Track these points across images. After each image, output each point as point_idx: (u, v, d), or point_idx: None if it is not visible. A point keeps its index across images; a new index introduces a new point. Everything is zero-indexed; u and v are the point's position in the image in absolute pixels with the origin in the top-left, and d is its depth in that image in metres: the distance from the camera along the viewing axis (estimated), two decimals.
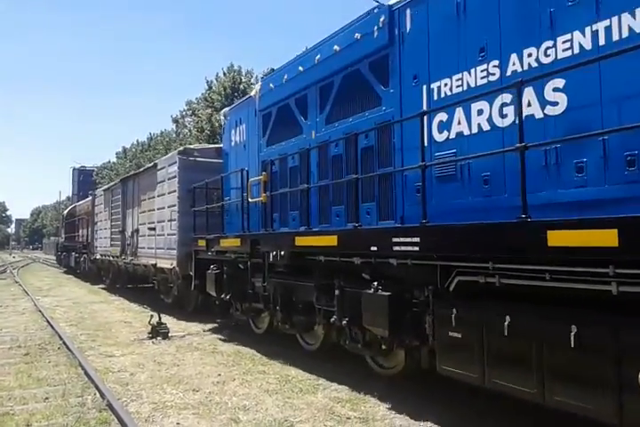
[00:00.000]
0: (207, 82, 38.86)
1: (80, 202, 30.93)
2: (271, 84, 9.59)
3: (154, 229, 14.49)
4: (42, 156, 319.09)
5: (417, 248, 5.34)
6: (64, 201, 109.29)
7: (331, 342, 8.00)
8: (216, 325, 11.90)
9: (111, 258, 19.00)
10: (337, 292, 6.85)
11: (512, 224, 4.44)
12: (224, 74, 38.31)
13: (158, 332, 10.40)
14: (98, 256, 21.08)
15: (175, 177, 13.14)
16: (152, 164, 15.38)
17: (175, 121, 47.38)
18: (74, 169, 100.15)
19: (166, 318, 11.21)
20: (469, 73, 5.66)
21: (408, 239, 5.44)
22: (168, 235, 13.54)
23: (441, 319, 5.30)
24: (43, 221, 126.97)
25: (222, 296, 10.16)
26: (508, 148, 4.80)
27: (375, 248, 5.94)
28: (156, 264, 14.24)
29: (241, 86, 36.98)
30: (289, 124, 9.05)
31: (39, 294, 19.66)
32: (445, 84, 5.95)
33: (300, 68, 8.66)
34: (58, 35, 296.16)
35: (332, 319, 6.89)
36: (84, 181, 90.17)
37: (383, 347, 6.22)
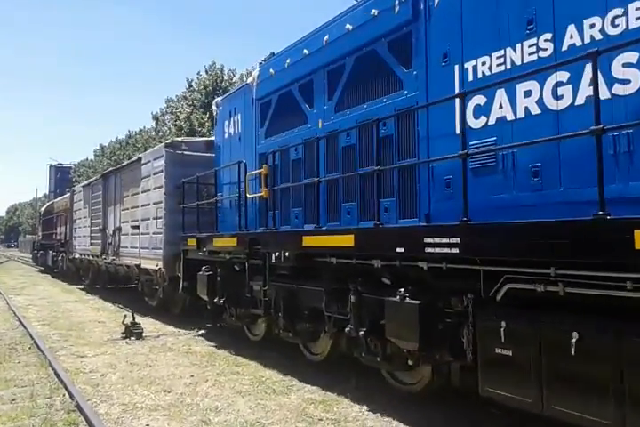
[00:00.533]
0: (187, 80, 38.42)
1: (58, 199, 29.76)
2: (271, 70, 8.79)
3: (137, 227, 13.59)
4: (18, 153, 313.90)
5: (456, 250, 4.58)
6: (41, 198, 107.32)
7: (339, 352, 7.25)
8: (192, 325, 11.45)
9: (91, 257, 18.03)
10: (352, 298, 6.07)
11: (587, 222, 3.69)
12: (206, 72, 37.73)
13: (132, 332, 10.20)
14: (77, 255, 20.06)
15: (162, 172, 12.26)
16: (136, 157, 14.46)
17: (155, 118, 46.51)
18: (51, 166, 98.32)
19: (141, 319, 11.09)
20: (514, 49, 4.93)
21: (445, 240, 4.68)
22: (153, 234, 12.65)
23: (485, 333, 4.54)
24: (19, 219, 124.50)
25: (215, 300, 9.32)
26: (574, 132, 4.05)
27: (402, 250, 5.18)
28: (139, 265, 13.34)
29: (222, 84, 36.42)
30: (291, 114, 8.26)
31: (12, 292, 19.28)
32: (483, 63, 5.21)
33: (305, 51, 7.87)
34: (39, 32, 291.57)
35: (347, 329, 6.10)
36: (62, 178, 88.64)
37: (410, 363, 5.44)
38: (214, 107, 11.24)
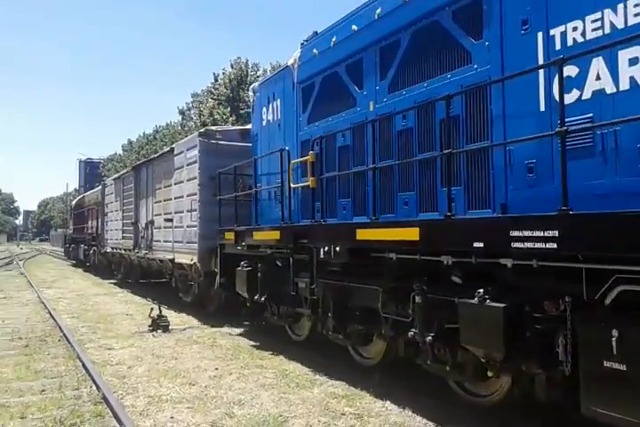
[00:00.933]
0: (214, 74, 38.20)
1: (89, 192, 29.54)
2: (314, 50, 8.12)
3: (171, 220, 13.08)
4: (50, 148, 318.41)
5: (554, 245, 3.88)
6: (71, 193, 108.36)
7: (395, 356, 6.60)
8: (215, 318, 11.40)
9: (123, 251, 17.62)
10: (417, 299, 5.39)
11: None
12: (231, 66, 37.69)
13: (159, 325, 10.23)
14: (108, 249, 19.69)
15: (195, 162, 11.70)
16: (168, 148, 13.93)
17: (181, 113, 46.94)
18: (80, 161, 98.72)
19: (167, 312, 11.11)
20: (614, 10, 4.18)
21: (538, 233, 3.98)
22: (188, 227, 12.12)
23: (590, 343, 3.84)
24: (50, 213, 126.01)
25: (256, 298, 8.73)
26: None
27: (481, 244, 4.48)
28: (173, 259, 12.84)
29: (248, 79, 36.23)
30: (338, 96, 7.60)
31: (43, 285, 19.44)
32: (574, 29, 4.47)
33: (354, 28, 7.19)
34: (67, 31, 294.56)
35: (411, 333, 5.44)
36: (91, 173, 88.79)
37: (489, 374, 4.76)
38: (250, 93, 10.62)
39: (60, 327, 10.40)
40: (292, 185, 7.82)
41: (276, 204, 9.00)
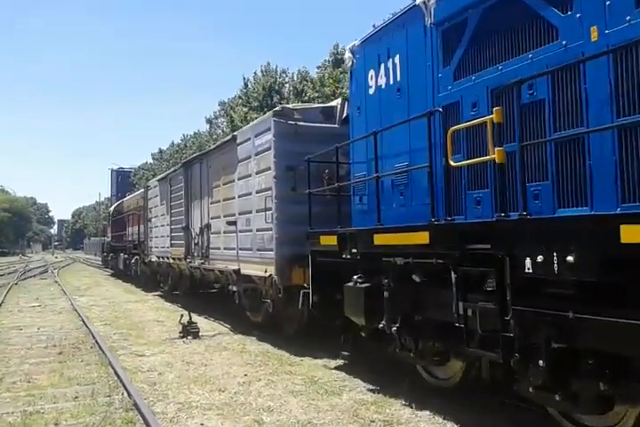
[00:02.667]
0: (244, 79, 37.15)
1: (128, 197, 27.26)
2: None
3: (234, 223, 10.54)
4: (83, 159, 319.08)
5: None
6: (103, 202, 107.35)
7: None
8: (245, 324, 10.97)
9: (171, 261, 15.13)
10: None
11: None
12: (262, 73, 36.38)
13: (189, 331, 10.16)
14: (153, 258, 17.21)
15: (269, 149, 9.14)
16: (229, 136, 11.35)
17: (209, 121, 46.40)
18: (112, 170, 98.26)
19: (197, 318, 10.96)
20: None
21: None
22: (258, 231, 9.55)
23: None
24: (84, 222, 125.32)
25: (380, 326, 6.08)
26: None
27: None
28: (238, 270, 10.30)
29: (275, 86, 35.30)
30: (516, 31, 4.96)
31: (77, 293, 19.36)
32: None
33: None
34: (92, 43, 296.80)
35: None
36: (123, 182, 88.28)
37: None
38: (347, 56, 7.97)
39: (92, 334, 10.37)
40: (452, 163, 5.13)
41: (396, 195, 6.42)
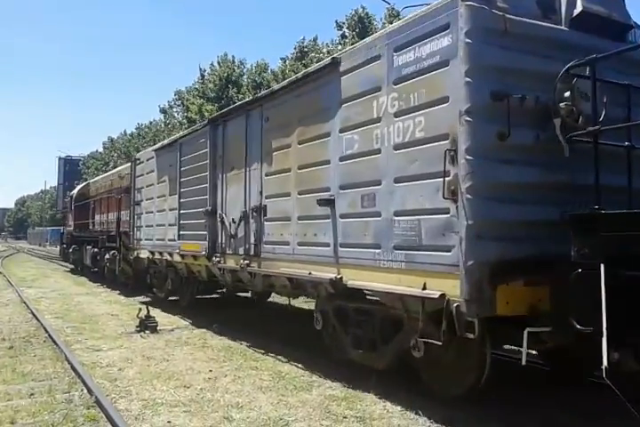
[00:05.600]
0: (200, 70, 34.53)
1: (99, 177, 21.62)
2: None
3: (329, 203, 5.96)
4: (27, 146, 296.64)
5: None
6: (49, 190, 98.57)
7: None
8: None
9: (178, 259, 10.24)
10: None
11: None
12: (218, 64, 33.72)
13: (147, 325, 9.16)
14: (143, 254, 12.16)
15: (446, 63, 4.60)
16: (325, 61, 6.48)
17: (163, 111, 42.93)
18: (60, 158, 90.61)
19: (153, 312, 9.85)
20: None
21: None
22: (405, 214, 5.00)
23: None
24: (28, 211, 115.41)
25: None
26: None
27: None
28: (340, 280, 5.71)
29: (232, 78, 32.72)
30: None
31: (23, 284, 17.65)
32: None
33: None
34: (49, 27, 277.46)
35: None
36: (71, 170, 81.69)
37: None
38: None
39: (44, 328, 9.40)
40: None
41: None
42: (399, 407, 5.22)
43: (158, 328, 9.17)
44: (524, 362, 4.30)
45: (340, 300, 6.25)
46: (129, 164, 14.64)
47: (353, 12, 25.99)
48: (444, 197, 4.56)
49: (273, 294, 10.97)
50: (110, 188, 16.41)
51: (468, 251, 4.40)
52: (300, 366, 6.81)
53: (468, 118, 4.40)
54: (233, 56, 34.00)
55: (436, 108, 4.75)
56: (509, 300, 4.46)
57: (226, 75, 32.49)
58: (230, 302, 12.04)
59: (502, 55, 4.51)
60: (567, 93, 4.42)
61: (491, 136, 4.43)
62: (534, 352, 6.42)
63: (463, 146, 4.43)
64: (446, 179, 4.56)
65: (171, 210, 10.67)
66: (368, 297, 5.95)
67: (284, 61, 30.39)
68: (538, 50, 4.67)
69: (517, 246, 4.47)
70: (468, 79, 4.42)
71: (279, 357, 7.26)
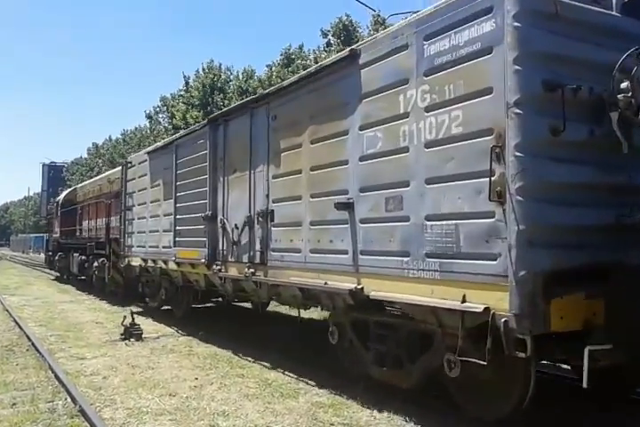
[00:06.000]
0: (185, 77, 34.39)
1: (87, 182, 20.75)
2: None
3: (348, 207, 5.42)
4: (9, 151, 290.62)
5: None
6: (33, 197, 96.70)
7: None
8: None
9: (173, 266, 9.60)
10: None
11: None
12: (203, 70, 33.76)
13: (131, 333, 8.92)
14: (135, 262, 11.49)
15: (489, 50, 4.07)
16: (342, 53, 5.88)
17: (149, 117, 42.77)
18: (44, 165, 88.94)
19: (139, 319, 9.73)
20: None
21: None
22: (438, 219, 4.47)
23: None
24: (11, 217, 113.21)
25: None
26: None
27: None
28: (361, 290, 5.16)
29: (218, 84, 32.85)
30: None
31: (6, 292, 17.22)
32: None
33: None
34: (33, 30, 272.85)
35: None
36: (55, 176, 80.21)
37: None
38: None
39: (27, 336, 9.14)
40: None
41: None
42: (386, 414, 5.13)
43: (143, 336, 8.98)
44: (585, 384, 3.77)
45: (358, 312, 5.68)
46: (119, 168, 13.95)
47: (337, 20, 26.17)
48: (489, 200, 4.04)
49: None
50: (99, 193, 15.69)
51: (518, 259, 3.87)
52: (287, 373, 6.70)
53: (518, 111, 3.89)
54: (220, 63, 34.08)
55: (477, 100, 4.23)
56: (564, 314, 3.95)
57: (210, 82, 32.49)
58: (222, 310, 11.56)
59: (553, 41, 4.02)
60: (625, 84, 3.92)
61: (543, 131, 3.92)
62: (567, 367, 5.94)
63: (512, 142, 3.91)
64: (491, 179, 4.04)
65: (165, 215, 10.04)
66: (392, 310, 5.41)
67: (271, 68, 30.62)
68: (589, 37, 4.19)
69: (571, 254, 3.96)
70: (517, 67, 3.91)
71: (266, 364, 7.11)
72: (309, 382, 6.27)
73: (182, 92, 34.55)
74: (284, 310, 10.49)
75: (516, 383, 4.49)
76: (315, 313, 8.81)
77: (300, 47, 30.27)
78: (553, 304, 3.90)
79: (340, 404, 5.48)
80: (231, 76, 33.84)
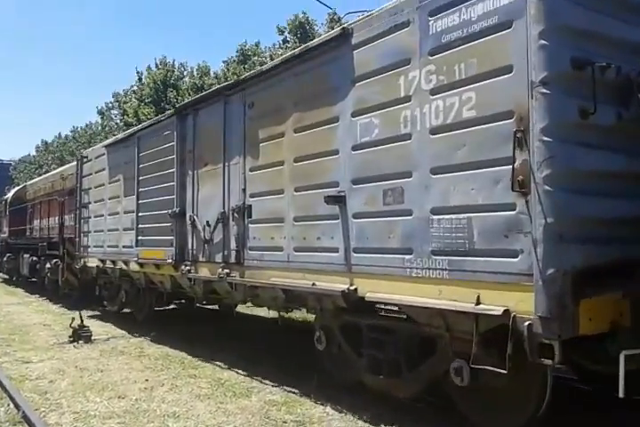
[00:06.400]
0: (137, 73, 33.26)
1: (37, 179, 19.53)
2: None
3: (339, 200, 4.90)
4: None
5: None
6: None
7: None
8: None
9: (135, 267, 8.85)
10: None
11: None
12: (156, 66, 32.47)
13: (80, 335, 8.61)
14: (92, 262, 10.61)
15: (509, 25, 3.62)
16: (333, 32, 5.26)
17: (100, 113, 41.72)
18: None
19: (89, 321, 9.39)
20: None
21: None
22: (448, 213, 4.01)
23: None
24: None
25: None
26: None
27: None
28: (354, 292, 4.67)
29: (171, 80, 31.67)
30: None
31: None
32: None
33: None
34: None
35: None
36: (0, 175, 76.32)
37: None
38: None
39: None
40: None
41: None
42: (339, 410, 5.07)
43: (93, 338, 8.69)
44: (621, 394, 3.38)
45: (350, 315, 5.17)
46: (73, 163, 12.98)
47: (294, 17, 25.98)
48: (512, 190, 3.59)
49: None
50: (51, 190, 14.62)
51: (547, 256, 3.44)
52: (240, 372, 6.57)
53: (545, 90, 3.45)
54: (173, 59, 33.01)
55: (494, 80, 3.78)
56: (592, 316, 3.55)
57: (163, 78, 31.37)
58: (185, 311, 10.95)
59: (580, 14, 3.61)
60: None
61: (572, 113, 3.51)
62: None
63: (539, 125, 3.47)
64: (514, 167, 3.60)
65: (126, 213, 9.27)
66: (389, 312, 4.93)
67: (227, 64, 29.98)
68: (616, 12, 3.81)
69: (602, 250, 3.57)
70: (543, 42, 3.47)
71: (220, 364, 6.95)
72: (263, 380, 6.15)
73: (135, 88, 33.42)
74: (249, 310, 10.05)
75: (533, 390, 4.08)
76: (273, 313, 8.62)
77: (257, 44, 29.93)
78: (582, 305, 3.49)
79: (293, 401, 5.40)
80: (185, 73, 32.91)
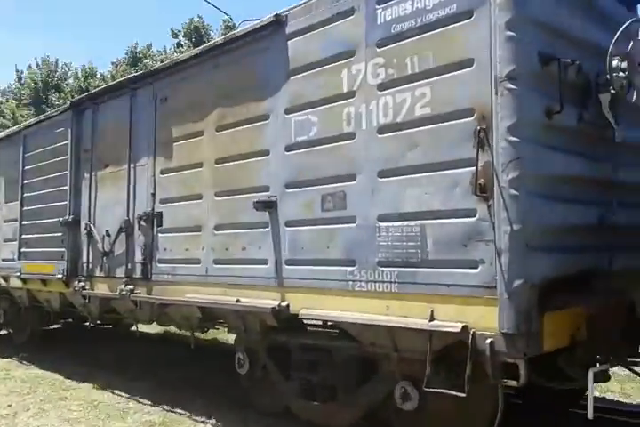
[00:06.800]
0: (17, 72, 31.99)
1: None
2: None
3: (269, 206, 4.35)
4: None
5: None
6: None
7: None
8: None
9: (17, 284, 7.63)
10: None
11: None
12: (37, 65, 31.09)
13: None
14: None
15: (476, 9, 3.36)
16: (262, 21, 4.67)
17: None
18: None
19: None
20: None
21: None
22: (397, 219, 3.60)
23: None
24: None
25: None
26: None
27: None
28: (286, 308, 4.14)
29: (53, 81, 30.39)
30: None
31: None
32: None
33: None
34: None
35: None
36: None
37: None
38: None
39: None
40: None
41: None
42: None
43: None
44: (590, 416, 3.09)
45: (280, 335, 4.59)
46: None
47: (189, 21, 25.65)
48: (475, 194, 3.24)
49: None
50: None
51: (512, 266, 3.11)
52: (117, 392, 6.18)
53: (512, 86, 3.15)
54: (57, 59, 31.44)
55: (452, 74, 3.44)
56: (556, 330, 3.28)
57: (44, 78, 29.74)
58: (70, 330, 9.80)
59: (547, 6, 3.38)
60: (623, 63, 3.39)
61: (539, 111, 3.24)
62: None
63: (505, 123, 3.16)
64: (475, 169, 3.26)
65: (6, 221, 8.03)
66: (324, 330, 4.43)
67: (117, 66, 28.57)
68: (582, 11, 3.64)
69: (567, 259, 3.32)
70: (509, 33, 3.18)
71: (96, 384, 6.47)
72: (141, 400, 5.80)
73: (13, 88, 31.66)
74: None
75: (483, 411, 3.73)
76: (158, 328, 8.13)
77: (149, 47, 28.88)
78: (546, 319, 3.20)
79: (171, 421, 5.13)
80: (69, 73, 31.40)
